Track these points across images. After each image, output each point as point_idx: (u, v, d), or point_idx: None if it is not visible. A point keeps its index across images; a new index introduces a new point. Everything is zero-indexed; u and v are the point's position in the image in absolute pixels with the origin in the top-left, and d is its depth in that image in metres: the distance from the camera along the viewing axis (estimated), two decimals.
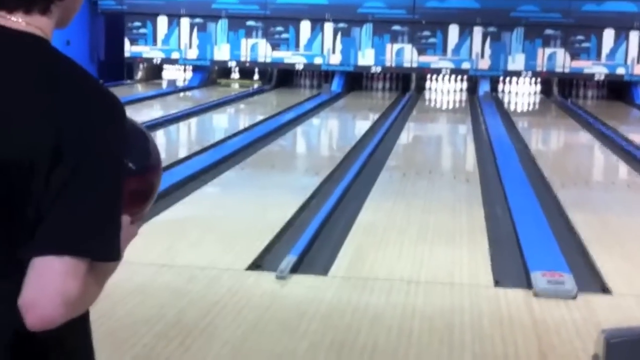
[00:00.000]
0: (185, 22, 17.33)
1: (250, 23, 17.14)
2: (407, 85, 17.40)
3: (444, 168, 9.02)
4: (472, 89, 17.24)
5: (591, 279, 5.09)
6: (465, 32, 16.79)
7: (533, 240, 5.78)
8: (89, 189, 1.35)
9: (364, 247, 5.57)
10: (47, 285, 1.30)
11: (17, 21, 1.41)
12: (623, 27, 16.31)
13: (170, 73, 18.09)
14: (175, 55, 17.47)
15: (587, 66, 16.56)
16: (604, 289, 4.87)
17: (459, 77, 17.38)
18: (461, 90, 17.44)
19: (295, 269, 4.96)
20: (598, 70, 16.54)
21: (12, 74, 1.38)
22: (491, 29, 16.74)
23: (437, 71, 17.08)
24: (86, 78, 1.42)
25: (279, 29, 17.11)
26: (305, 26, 17.08)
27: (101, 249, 1.36)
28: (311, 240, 5.57)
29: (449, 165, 9.41)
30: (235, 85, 17.79)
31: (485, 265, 5.22)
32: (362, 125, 12.62)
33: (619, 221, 6.60)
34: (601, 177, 9.18)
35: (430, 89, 17.54)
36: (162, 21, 17.40)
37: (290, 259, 5.02)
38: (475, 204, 6.99)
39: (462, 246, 5.70)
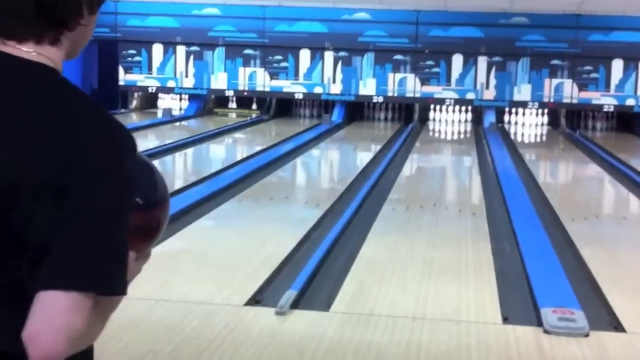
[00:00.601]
0: (181, 49, 17.42)
1: (248, 51, 17.23)
2: (410, 115, 17.46)
3: (448, 201, 9.01)
4: (477, 120, 17.30)
5: (603, 316, 5.07)
6: (470, 62, 16.87)
7: (542, 276, 5.75)
8: (95, 224, 1.37)
9: (367, 282, 5.54)
10: (52, 319, 1.33)
11: (28, 51, 1.43)
12: (632, 57, 16.39)
13: (165, 102, 18.15)
14: (170, 83, 17.54)
15: (595, 97, 16.63)
16: (617, 327, 4.85)
17: (464, 107, 17.44)
18: (466, 121, 17.49)
19: (295, 304, 4.93)
20: (607, 101, 16.61)
21: (22, 103, 1.40)
22: (496, 58, 16.83)
23: (441, 101, 17.14)
24: (94, 110, 1.45)
25: (278, 57, 17.19)
26: (304, 55, 17.17)
27: (108, 283, 1.38)
28: (312, 274, 5.55)
29: (454, 198, 9.40)
30: (233, 115, 17.84)
31: (493, 302, 5.20)
32: (363, 157, 12.64)
33: (631, 257, 6.58)
34: (612, 211, 9.17)
35: (434, 119, 17.60)
36: (158, 49, 17.49)
37: (290, 294, 4.99)
38: (482, 239, 6.97)
39: (468, 282, 5.67)
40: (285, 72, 17.25)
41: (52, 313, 1.33)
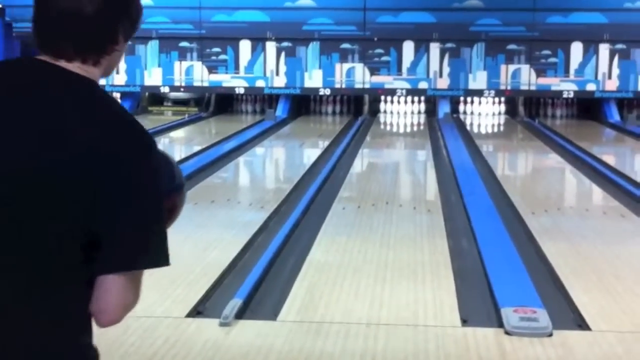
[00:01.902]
0: None
1: (183, 44, 17.17)
2: (359, 108, 17.54)
3: (402, 198, 9.06)
4: (430, 111, 17.43)
5: (567, 314, 5.14)
6: (421, 49, 16.98)
7: (502, 274, 5.82)
8: (139, 215, 1.80)
9: (317, 288, 5.56)
10: (114, 298, 1.82)
11: (74, 68, 1.90)
12: (592, 40, 16.64)
13: None
14: (100, 81, 17.32)
15: (554, 83, 16.84)
16: (581, 325, 4.92)
17: (416, 98, 17.56)
18: (419, 112, 17.62)
19: (240, 314, 4.93)
20: (566, 87, 16.83)
21: (71, 107, 1.83)
22: (449, 44, 16.96)
23: (392, 92, 17.23)
24: (124, 113, 1.89)
25: (216, 49, 17.15)
26: (245, 46, 17.15)
27: (156, 261, 1.85)
28: (257, 281, 5.55)
29: (408, 195, 9.46)
30: (169, 113, 17.75)
31: (451, 303, 5.25)
32: (311, 154, 12.66)
33: (595, 250, 6.69)
34: (574, 203, 9.30)
35: (385, 111, 17.70)
36: None
37: (234, 303, 4.99)
38: (438, 237, 7.03)
39: (425, 283, 5.72)
40: (225, 65, 17.21)
41: (113, 293, 1.81)
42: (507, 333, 4.71)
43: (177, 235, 6.98)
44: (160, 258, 1.85)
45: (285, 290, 5.47)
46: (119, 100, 17.53)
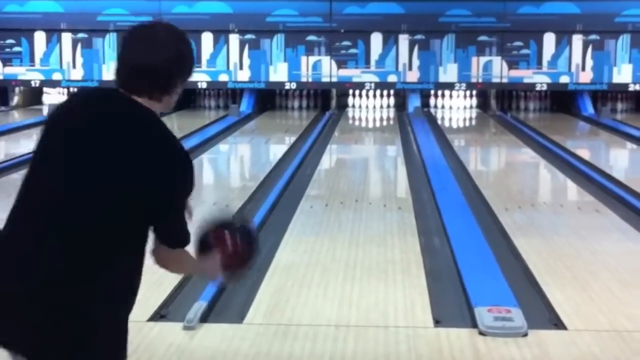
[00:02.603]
0: (66, 37, 17.18)
1: None
2: (326, 102, 17.55)
3: (372, 195, 9.07)
4: (400, 105, 17.46)
5: (542, 313, 5.18)
6: (390, 41, 17.02)
7: (476, 273, 5.85)
8: (179, 213, 2.75)
9: (284, 289, 5.55)
10: (168, 263, 2.83)
11: (142, 101, 2.70)
12: (565, 30, 16.75)
13: (52, 97, 17.87)
14: (56, 76, 17.29)
15: (527, 75, 16.94)
16: (557, 324, 4.96)
17: (385, 91, 17.59)
18: (388, 106, 17.66)
19: (205, 317, 4.92)
20: (539, 79, 16.94)
21: (137, 131, 2.66)
22: (419, 36, 17.01)
23: (360, 86, 17.26)
24: (173, 137, 2.70)
25: None
26: (207, 39, 17.10)
27: (186, 242, 2.79)
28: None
29: (378, 192, 9.48)
30: None
31: (423, 304, 5.27)
32: (277, 150, 12.65)
33: (570, 247, 6.74)
34: (548, 198, 9.35)
35: (353, 106, 17.72)
36: (40, 37, 17.22)
37: (199, 306, 4.98)
38: (409, 235, 7.06)
39: (396, 283, 5.73)
40: None
41: (167, 259, 2.80)
42: (481, 333, 4.74)
43: None
44: (188, 241, 2.81)
45: (252, 292, 5.45)
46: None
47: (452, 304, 5.33)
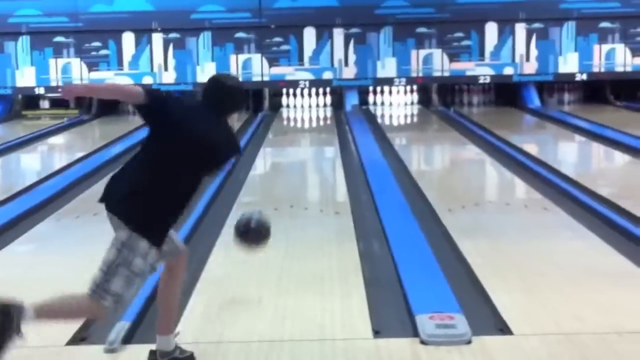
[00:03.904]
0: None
1: (59, 39, 16.94)
2: (259, 103, 17.55)
3: (308, 200, 9.09)
4: (337, 103, 17.52)
5: (487, 318, 5.22)
6: (324, 36, 17.07)
7: (417, 279, 5.89)
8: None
9: (214, 304, 5.54)
10: None
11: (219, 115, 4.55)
12: (507, 19, 16.94)
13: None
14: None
15: (469, 68, 17.11)
16: (502, 329, 5.01)
17: (321, 89, 17.64)
18: (325, 105, 17.72)
19: (128, 338, 4.89)
20: (482, 71, 17.11)
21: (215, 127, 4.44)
22: (354, 30, 17.09)
23: (294, 84, 17.28)
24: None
25: (96, 44, 16.95)
26: (128, 39, 17.01)
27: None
28: (147, 300, 5.49)
29: (315, 197, 9.50)
30: (46, 117, 17.47)
31: (362, 314, 5.28)
32: None
33: (516, 247, 6.82)
34: (493, 197, 9.45)
35: (287, 105, 17.75)
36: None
37: (121, 327, 4.94)
38: (348, 241, 7.08)
39: (333, 293, 5.75)
40: (107, 61, 17.04)
41: None
42: (422, 342, 4.76)
43: (58, 252, 6.95)
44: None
45: (180, 308, 5.42)
46: None
47: (392, 313, 5.36)
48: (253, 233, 4.56)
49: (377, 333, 4.97)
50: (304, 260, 6.56)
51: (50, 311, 4.24)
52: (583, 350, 4.66)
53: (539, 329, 4.98)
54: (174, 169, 4.27)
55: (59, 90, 17.12)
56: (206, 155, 4.34)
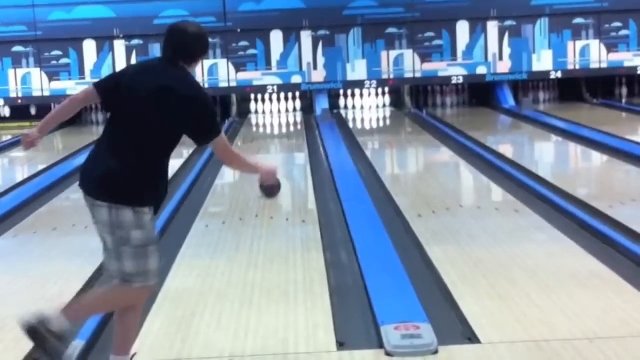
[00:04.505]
0: None
1: (17, 48, 16.86)
2: (226, 109, 17.53)
3: (274, 209, 9.05)
4: (307, 108, 17.53)
5: (455, 327, 5.23)
6: (291, 39, 17.07)
7: (384, 288, 5.89)
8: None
9: (174, 320, 5.51)
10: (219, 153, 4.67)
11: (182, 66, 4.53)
12: (479, 17, 16.99)
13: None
14: None
15: (441, 68, 17.14)
16: (470, 338, 5.01)
17: (290, 94, 17.63)
18: (294, 110, 17.73)
19: (84, 356, 4.85)
20: (455, 72, 17.15)
21: (174, 78, 4.47)
22: (322, 32, 17.10)
23: (262, 89, 17.28)
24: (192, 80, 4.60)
25: (57, 53, 16.91)
26: (89, 47, 16.95)
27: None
28: (103, 318, 5.46)
29: (281, 206, 9.46)
30: (6, 130, 17.37)
31: (327, 326, 5.27)
32: (172, 163, 12.42)
33: (487, 253, 6.82)
34: (465, 201, 9.44)
35: (256, 111, 17.74)
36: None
37: (76, 346, 4.90)
38: (314, 250, 7.08)
39: (297, 305, 5.73)
40: (68, 71, 16.97)
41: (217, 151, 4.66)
42: (387, 354, 4.76)
43: (12, 270, 6.91)
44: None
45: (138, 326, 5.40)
46: None
47: (357, 324, 5.35)
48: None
49: (341, 345, 4.96)
50: (267, 271, 6.55)
51: (82, 309, 4.55)
52: (553, 358, 4.67)
53: (508, 337, 4.99)
54: (132, 133, 4.43)
55: (19, 101, 17.04)
56: (152, 108, 4.40)
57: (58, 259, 7.25)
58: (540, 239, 7.26)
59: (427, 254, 6.79)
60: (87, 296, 4.72)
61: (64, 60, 16.96)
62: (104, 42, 16.97)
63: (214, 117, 4.59)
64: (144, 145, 4.44)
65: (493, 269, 6.41)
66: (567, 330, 5.07)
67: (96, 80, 4.75)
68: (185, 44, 4.50)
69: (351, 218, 8.10)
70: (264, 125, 16.84)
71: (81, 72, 16.98)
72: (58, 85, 16.96)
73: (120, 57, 17.00)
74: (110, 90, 4.52)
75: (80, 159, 12.58)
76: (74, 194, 10.46)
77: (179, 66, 4.48)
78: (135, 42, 16.98)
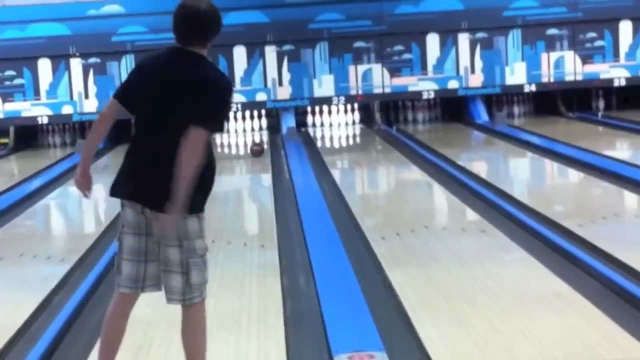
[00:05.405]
0: None
1: None
2: None
3: (232, 233, 9.07)
4: (274, 126, 17.51)
5: (412, 355, 5.27)
6: (256, 54, 17.09)
7: (340, 315, 5.94)
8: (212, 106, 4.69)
9: (122, 351, 5.50)
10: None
11: (196, 50, 4.71)
12: (449, 30, 17.05)
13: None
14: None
15: (411, 83, 17.17)
16: None
17: (255, 111, 17.64)
18: (260, 128, 17.71)
19: None
20: (425, 86, 17.18)
21: (196, 67, 4.65)
22: (287, 47, 17.12)
23: None
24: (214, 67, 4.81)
25: (10, 73, 16.86)
26: (44, 66, 16.91)
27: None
28: (49, 349, 5.50)
29: (240, 230, 9.49)
30: None
31: (279, 355, 5.32)
32: None
33: (449, 275, 6.89)
34: (431, 221, 9.46)
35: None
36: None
37: None
38: (271, 276, 7.11)
39: (250, 333, 5.77)
40: (22, 91, 16.93)
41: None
42: None
43: None
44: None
45: (82, 357, 5.42)
46: None
47: (311, 354, 5.40)
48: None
49: None
50: (221, 299, 6.56)
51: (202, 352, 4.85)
52: None
53: None
54: (174, 134, 4.47)
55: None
56: (190, 102, 4.52)
57: (3, 290, 7.26)
58: (505, 260, 7.33)
59: (388, 278, 6.84)
60: (188, 348, 4.92)
61: (17, 81, 16.91)
62: (60, 60, 16.94)
63: (227, 110, 4.77)
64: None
65: (455, 292, 6.47)
66: (527, 355, 5.13)
67: (115, 93, 4.78)
68: (201, 26, 4.65)
69: (312, 242, 8.14)
70: (229, 145, 16.82)
71: (36, 92, 16.94)
72: (12, 106, 16.90)
73: (77, 76, 16.97)
74: (134, 97, 4.64)
75: (35, 183, 12.61)
76: (25, 221, 10.46)
77: (197, 53, 4.62)
78: (93, 60, 16.96)
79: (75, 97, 16.99)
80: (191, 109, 4.49)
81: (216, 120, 4.57)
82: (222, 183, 12.92)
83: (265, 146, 15.13)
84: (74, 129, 17.53)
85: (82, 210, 12.10)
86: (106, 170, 14.52)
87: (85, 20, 16.78)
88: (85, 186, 5.02)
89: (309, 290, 6.73)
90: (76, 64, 16.98)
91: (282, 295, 6.58)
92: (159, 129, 4.57)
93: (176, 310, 6.33)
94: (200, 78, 4.54)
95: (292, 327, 5.84)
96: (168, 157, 4.45)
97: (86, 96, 17.00)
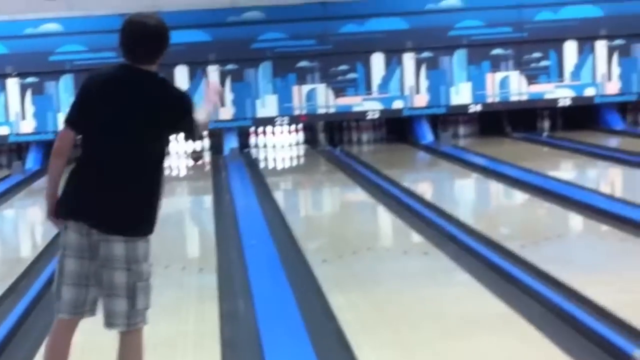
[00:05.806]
0: None
1: None
2: None
3: (170, 258, 9.00)
4: (217, 147, 17.44)
5: None
6: (197, 74, 17.04)
7: (278, 341, 5.91)
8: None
9: None
10: None
11: (146, 68, 4.61)
12: (395, 49, 17.12)
13: None
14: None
15: (356, 103, 17.21)
16: None
17: None
18: (202, 150, 17.64)
19: None
20: (370, 106, 17.22)
21: (153, 85, 4.64)
22: (230, 66, 17.09)
23: None
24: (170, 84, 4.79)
25: None
26: None
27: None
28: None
29: (178, 254, 9.41)
30: None
31: None
32: None
33: (391, 299, 6.90)
34: (374, 243, 9.48)
35: None
36: None
37: None
38: (208, 301, 7.08)
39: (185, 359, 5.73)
40: None
41: None
42: None
43: None
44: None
45: None
46: None
47: None
48: None
49: None
50: (156, 324, 6.44)
51: None
52: None
53: None
54: (130, 156, 4.58)
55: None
56: (147, 122, 4.59)
57: None
58: (447, 282, 7.36)
59: (328, 302, 6.83)
60: None
61: None
62: None
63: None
64: (145, 164, 4.60)
65: (396, 315, 6.48)
66: None
67: (67, 118, 4.73)
68: (152, 42, 4.57)
69: (252, 265, 8.12)
70: (170, 168, 16.74)
71: None
72: None
73: (14, 96, 16.81)
74: (86, 120, 4.61)
75: None
76: None
77: (147, 69, 4.57)
78: (30, 80, 16.81)
79: (12, 118, 16.82)
80: (168, 126, 4.64)
81: (195, 130, 4.73)
82: (162, 204, 12.86)
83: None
84: (10, 150, 17.36)
85: (17, 233, 12.01)
86: (43, 192, 14.39)
87: (22, 39, 16.65)
88: (60, 224, 4.76)
89: (247, 315, 6.70)
90: (13, 83, 16.83)
91: (220, 320, 6.55)
92: (117, 149, 4.52)
93: (109, 337, 6.28)
94: (169, 96, 4.62)
95: (229, 354, 5.81)
96: (126, 178, 4.48)
97: (23, 117, 16.84)
